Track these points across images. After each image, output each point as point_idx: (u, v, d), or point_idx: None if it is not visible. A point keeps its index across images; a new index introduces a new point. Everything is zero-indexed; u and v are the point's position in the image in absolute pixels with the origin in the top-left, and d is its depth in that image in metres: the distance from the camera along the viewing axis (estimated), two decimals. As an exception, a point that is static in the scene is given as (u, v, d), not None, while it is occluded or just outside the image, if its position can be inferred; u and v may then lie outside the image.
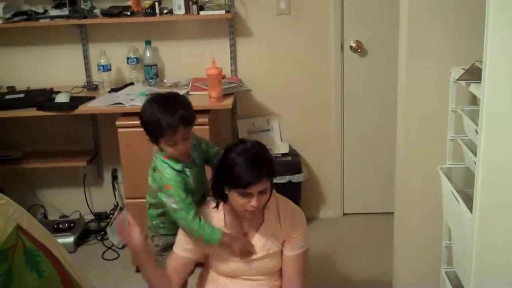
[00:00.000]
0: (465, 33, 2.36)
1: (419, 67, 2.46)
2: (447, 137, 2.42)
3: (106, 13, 3.43)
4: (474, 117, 2.09)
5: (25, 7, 3.54)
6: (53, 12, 3.46)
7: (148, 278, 2.18)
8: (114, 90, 3.45)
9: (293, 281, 2.19)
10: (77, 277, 2.26)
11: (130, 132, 3.03)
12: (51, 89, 3.51)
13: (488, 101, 1.81)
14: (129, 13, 3.41)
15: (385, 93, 3.57)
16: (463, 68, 2.23)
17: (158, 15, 3.39)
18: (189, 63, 3.61)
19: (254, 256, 2.16)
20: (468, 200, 2.05)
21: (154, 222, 2.39)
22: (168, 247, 2.30)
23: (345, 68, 3.69)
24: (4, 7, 3.41)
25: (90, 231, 3.79)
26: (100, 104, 3.27)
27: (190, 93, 3.33)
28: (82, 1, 3.41)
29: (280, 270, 2.22)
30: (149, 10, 3.38)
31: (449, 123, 2.40)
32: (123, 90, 3.42)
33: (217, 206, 2.16)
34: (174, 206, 2.15)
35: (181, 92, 3.30)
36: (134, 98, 3.23)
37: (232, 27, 3.60)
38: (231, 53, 3.64)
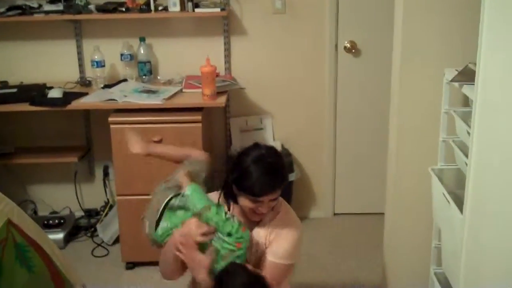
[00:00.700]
0: (459, 34, 2.38)
1: (412, 68, 2.47)
2: (439, 138, 2.43)
3: (101, 9, 3.42)
4: (466, 118, 2.11)
5: (20, 1, 3.51)
6: (48, 7, 3.45)
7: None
8: (108, 86, 3.44)
9: None
10: (67, 273, 2.25)
11: (123, 129, 3.02)
12: (44, 84, 3.50)
13: (481, 103, 1.82)
14: (124, 9, 3.41)
15: (378, 94, 3.58)
16: (456, 70, 2.24)
17: (153, 11, 3.38)
18: (183, 61, 3.61)
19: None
20: (459, 202, 2.06)
21: None
22: None
23: (339, 68, 3.70)
24: (-2, 1, 3.39)
25: (80, 227, 3.77)
26: (93, 100, 3.25)
27: (183, 90, 3.33)
28: (77, -4, 3.40)
29: None
30: (144, 7, 3.38)
31: (442, 125, 2.41)
32: (116, 87, 3.41)
33: (228, 209, 2.15)
34: None
35: (175, 89, 3.31)
36: (127, 94, 3.22)
37: (227, 25, 3.60)
38: (225, 51, 3.64)
